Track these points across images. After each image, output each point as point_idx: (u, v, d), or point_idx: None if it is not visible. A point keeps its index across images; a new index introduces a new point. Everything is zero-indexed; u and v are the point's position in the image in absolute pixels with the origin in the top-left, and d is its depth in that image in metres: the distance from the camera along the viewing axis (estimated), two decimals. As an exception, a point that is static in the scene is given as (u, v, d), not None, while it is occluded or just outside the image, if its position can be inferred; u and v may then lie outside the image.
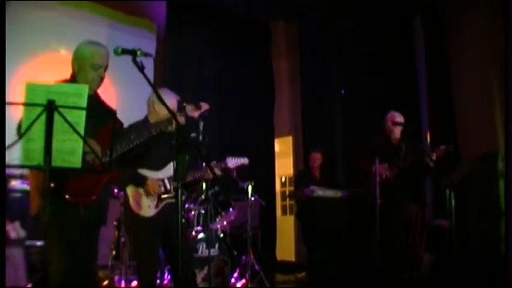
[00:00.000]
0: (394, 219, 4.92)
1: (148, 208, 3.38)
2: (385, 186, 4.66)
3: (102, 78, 2.93)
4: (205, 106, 3.44)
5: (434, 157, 4.79)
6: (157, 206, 3.40)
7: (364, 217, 5.05)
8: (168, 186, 3.45)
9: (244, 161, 3.98)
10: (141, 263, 3.43)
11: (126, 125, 3.34)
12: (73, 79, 2.90)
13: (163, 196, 3.43)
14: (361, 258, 5.35)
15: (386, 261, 4.76)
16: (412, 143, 5.15)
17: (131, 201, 3.37)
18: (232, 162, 3.90)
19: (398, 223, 5.08)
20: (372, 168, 4.87)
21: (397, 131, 5.11)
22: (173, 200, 3.42)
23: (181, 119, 3.30)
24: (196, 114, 3.42)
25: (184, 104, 3.41)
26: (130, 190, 3.39)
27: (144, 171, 3.42)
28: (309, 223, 6.19)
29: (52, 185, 2.32)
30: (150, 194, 3.38)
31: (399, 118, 5.13)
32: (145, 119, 3.56)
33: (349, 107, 6.99)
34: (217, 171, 3.74)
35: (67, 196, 2.67)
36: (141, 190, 3.38)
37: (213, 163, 3.80)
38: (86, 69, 2.87)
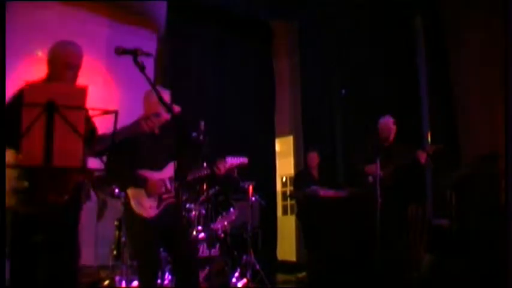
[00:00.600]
0: (392, 219, 4.93)
1: (149, 209, 3.38)
2: (380, 186, 4.70)
3: (76, 78, 2.92)
4: (176, 108, 3.42)
5: (425, 155, 4.87)
6: (158, 206, 3.41)
7: (364, 217, 5.08)
8: (169, 186, 3.46)
9: (244, 160, 3.98)
10: (141, 263, 3.43)
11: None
12: (48, 79, 2.90)
13: (164, 196, 3.44)
14: (361, 258, 5.36)
15: (386, 261, 4.77)
16: (405, 144, 5.21)
17: (132, 201, 3.37)
18: (232, 161, 3.90)
19: (398, 223, 5.10)
20: (364, 169, 5.04)
21: (391, 133, 5.18)
22: (174, 200, 3.44)
23: (158, 120, 3.29)
24: (168, 116, 3.38)
25: None
26: (131, 191, 3.40)
27: (145, 172, 3.42)
28: (310, 223, 6.20)
29: (25, 184, 2.31)
30: (151, 195, 3.39)
31: (392, 120, 5.24)
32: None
33: (349, 107, 7.00)
34: (218, 171, 3.74)
35: (39, 195, 2.63)
36: (142, 191, 3.38)
37: (213, 162, 3.79)
38: (60, 69, 2.87)
